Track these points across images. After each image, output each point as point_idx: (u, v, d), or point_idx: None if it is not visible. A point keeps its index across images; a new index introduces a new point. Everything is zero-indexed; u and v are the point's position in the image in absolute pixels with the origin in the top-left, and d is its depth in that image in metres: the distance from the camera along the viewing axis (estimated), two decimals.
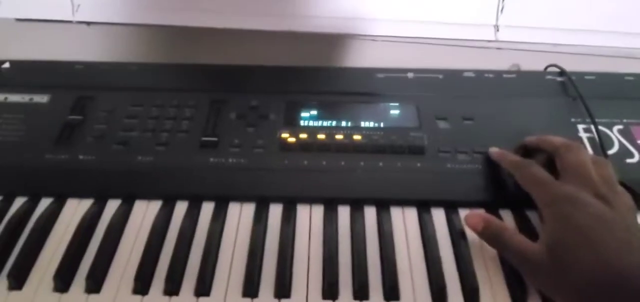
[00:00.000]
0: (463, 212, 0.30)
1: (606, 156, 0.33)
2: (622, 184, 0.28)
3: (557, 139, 0.29)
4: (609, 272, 0.22)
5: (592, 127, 0.35)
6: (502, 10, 0.44)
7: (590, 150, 0.34)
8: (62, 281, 0.26)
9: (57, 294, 0.26)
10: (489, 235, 0.27)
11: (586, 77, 0.39)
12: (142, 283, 0.26)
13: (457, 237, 0.29)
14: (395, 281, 0.26)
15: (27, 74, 0.38)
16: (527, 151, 0.32)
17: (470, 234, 0.29)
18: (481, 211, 0.29)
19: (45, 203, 0.30)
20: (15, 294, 0.26)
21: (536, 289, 0.25)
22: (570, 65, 0.39)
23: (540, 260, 0.24)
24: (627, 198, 0.26)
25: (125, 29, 0.45)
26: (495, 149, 0.32)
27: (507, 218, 0.30)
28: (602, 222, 0.23)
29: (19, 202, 0.31)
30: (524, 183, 0.28)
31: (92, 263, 0.27)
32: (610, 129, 0.35)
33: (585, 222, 0.23)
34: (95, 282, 0.26)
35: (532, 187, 0.27)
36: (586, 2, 0.44)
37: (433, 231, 0.29)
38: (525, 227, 0.29)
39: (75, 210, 0.30)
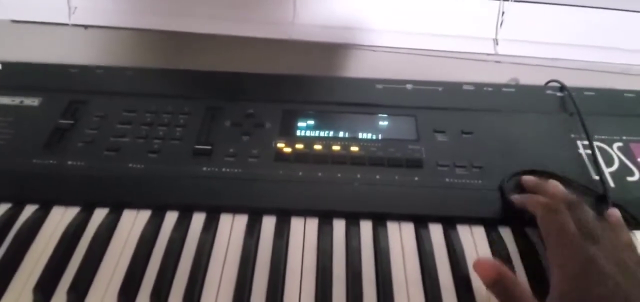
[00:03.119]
0: (461, 228, 0.30)
1: (602, 176, 0.32)
2: (617, 206, 0.28)
3: (561, 193, 0.28)
4: None
5: (594, 144, 0.34)
6: (501, 24, 0.44)
7: (589, 167, 0.33)
8: (43, 294, 0.25)
9: None
10: (500, 289, 0.25)
11: (586, 93, 0.39)
12: (127, 297, 0.25)
13: (455, 254, 0.28)
14: (391, 298, 0.25)
15: (18, 76, 0.38)
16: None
17: (469, 252, 0.28)
18: (492, 260, 0.26)
19: (29, 210, 0.29)
20: None
21: None
22: (569, 81, 0.39)
23: None
24: (637, 252, 0.25)
25: (122, 33, 0.44)
26: (517, 196, 0.30)
27: (507, 236, 0.29)
28: (615, 279, 0.22)
29: (2, 208, 0.29)
30: (548, 229, 0.26)
31: (75, 275, 0.26)
32: (610, 146, 0.35)
33: (601, 290, 0.22)
34: (77, 296, 0.25)
35: (555, 236, 0.25)
36: (586, 17, 0.44)
37: (430, 247, 0.28)
38: (525, 245, 0.29)
39: (60, 218, 0.29)
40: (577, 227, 0.25)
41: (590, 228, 0.25)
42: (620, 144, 0.35)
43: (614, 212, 0.28)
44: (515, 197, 0.30)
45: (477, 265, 0.26)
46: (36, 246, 0.27)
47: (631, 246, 0.26)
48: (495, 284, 0.25)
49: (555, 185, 0.30)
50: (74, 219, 0.29)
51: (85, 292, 0.25)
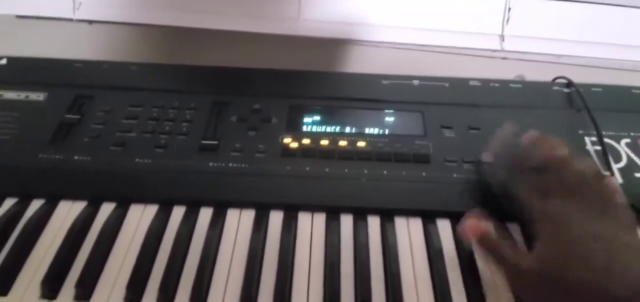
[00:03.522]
0: None
1: (611, 170, 0.32)
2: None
3: (559, 151, 0.28)
4: (599, 291, 0.21)
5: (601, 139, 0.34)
6: (507, 20, 0.44)
7: (597, 163, 0.33)
8: (50, 288, 0.25)
9: (44, 301, 0.24)
10: (484, 248, 0.26)
11: (593, 89, 0.38)
12: (134, 292, 0.25)
13: (464, 249, 0.28)
14: (399, 294, 0.25)
15: (24, 71, 0.37)
16: (519, 157, 0.30)
17: (477, 249, 0.28)
18: (477, 221, 0.27)
19: (36, 205, 0.29)
20: (0, 300, 0.24)
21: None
22: (574, 77, 0.39)
23: (531, 273, 0.23)
24: (628, 213, 0.25)
25: (127, 29, 0.44)
26: (486, 156, 0.30)
27: (515, 231, 0.29)
28: (598, 240, 0.23)
29: (9, 203, 0.29)
30: (508, 200, 0.27)
31: (83, 269, 0.26)
32: (618, 142, 0.35)
33: (578, 239, 0.23)
34: (84, 290, 0.25)
35: (518, 203, 0.26)
36: (592, 13, 0.44)
37: (439, 243, 0.28)
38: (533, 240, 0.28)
39: (67, 213, 0.29)
40: (561, 187, 0.25)
41: (574, 185, 0.25)
42: (628, 140, 0.35)
43: (611, 180, 0.28)
44: (483, 158, 0.29)
45: (461, 229, 0.27)
46: (43, 240, 0.27)
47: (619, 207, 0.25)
48: (479, 244, 0.26)
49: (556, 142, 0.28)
50: (81, 214, 0.29)
51: (93, 286, 0.25)
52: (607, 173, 0.29)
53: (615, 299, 0.21)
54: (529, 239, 0.27)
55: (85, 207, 0.29)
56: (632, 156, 0.34)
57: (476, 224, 0.26)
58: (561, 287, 0.22)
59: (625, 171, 0.33)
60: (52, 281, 0.25)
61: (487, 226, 0.26)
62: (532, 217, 0.26)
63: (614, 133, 0.35)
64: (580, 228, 0.23)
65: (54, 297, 0.25)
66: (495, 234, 0.26)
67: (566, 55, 0.44)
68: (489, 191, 0.29)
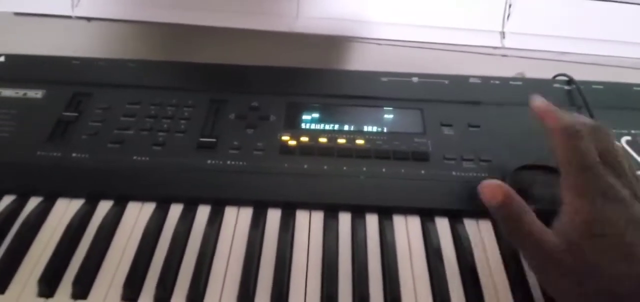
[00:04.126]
0: (468, 222, 0.29)
1: None
2: None
3: (588, 121, 0.24)
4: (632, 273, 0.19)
5: None
6: (508, 17, 0.44)
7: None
8: (48, 286, 0.25)
9: (41, 300, 0.24)
10: (507, 213, 0.22)
11: (594, 86, 0.38)
12: (131, 289, 0.25)
13: (462, 248, 0.27)
14: (397, 293, 0.25)
15: (22, 68, 0.37)
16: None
17: (476, 246, 0.28)
18: (500, 182, 0.23)
19: (34, 202, 0.29)
20: None
21: (544, 287, 0.23)
22: (576, 74, 0.38)
23: (561, 256, 0.21)
24: None
25: (126, 26, 0.44)
26: (540, 100, 0.26)
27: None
28: (630, 221, 0.20)
29: (7, 200, 0.29)
30: (565, 158, 0.22)
31: (80, 267, 0.26)
32: (619, 140, 0.35)
33: (623, 225, 0.20)
34: (82, 288, 0.25)
35: (574, 167, 0.22)
36: (594, 10, 0.44)
37: (437, 241, 0.28)
38: None
39: (65, 210, 0.29)
40: (600, 156, 0.22)
41: (614, 159, 0.22)
42: (628, 137, 0.35)
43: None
44: (536, 101, 0.25)
45: (484, 186, 0.23)
46: (41, 238, 0.27)
47: None
48: (502, 207, 0.22)
49: (573, 114, 0.25)
50: (79, 211, 0.29)
51: (90, 284, 0.25)
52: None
53: None
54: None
55: (83, 205, 0.29)
56: (633, 153, 0.34)
57: (500, 185, 0.23)
58: (592, 275, 0.20)
59: None
60: (50, 279, 0.25)
61: (513, 192, 0.22)
62: (576, 188, 0.22)
63: (615, 131, 0.35)
64: (628, 213, 0.20)
65: (51, 295, 0.25)
66: (522, 201, 0.22)
67: (567, 53, 0.44)
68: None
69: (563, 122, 0.24)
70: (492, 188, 0.23)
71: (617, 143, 0.24)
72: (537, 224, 0.22)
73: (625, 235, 0.20)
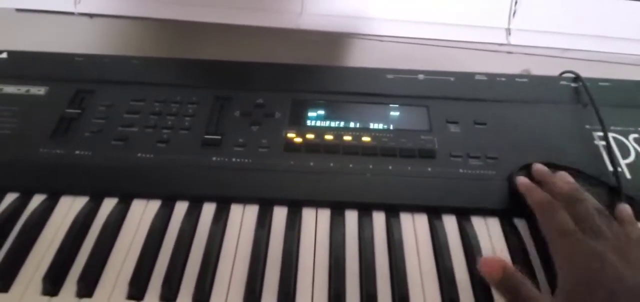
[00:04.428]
0: (476, 220, 0.29)
1: (616, 167, 0.31)
2: (631, 198, 0.27)
3: (565, 187, 0.27)
4: None
5: (609, 135, 0.34)
6: (514, 13, 0.43)
7: (606, 160, 0.33)
8: (52, 284, 0.24)
9: (46, 298, 0.24)
10: (507, 286, 0.24)
11: (600, 83, 0.38)
12: (137, 288, 0.25)
13: (470, 246, 0.27)
14: (405, 291, 0.25)
15: (24, 65, 0.37)
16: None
17: (484, 244, 0.28)
18: (498, 257, 0.25)
19: (37, 200, 0.29)
20: (1, 296, 0.24)
21: None
22: (583, 72, 0.38)
23: None
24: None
25: (128, 22, 0.44)
26: (523, 178, 0.29)
27: (522, 227, 0.29)
28: (628, 290, 0.22)
29: (10, 197, 0.29)
30: (546, 228, 0.26)
31: (85, 265, 0.25)
32: (626, 137, 0.34)
33: (611, 286, 0.22)
34: (87, 286, 0.24)
35: (555, 235, 0.25)
36: (600, 7, 0.43)
37: (445, 239, 0.28)
38: (540, 237, 0.28)
39: (69, 208, 0.29)
40: (577, 224, 0.25)
41: (591, 223, 0.25)
42: (636, 135, 0.34)
43: (625, 208, 0.28)
44: (519, 180, 0.29)
45: (483, 264, 0.25)
46: (45, 235, 0.27)
47: None
48: (502, 282, 0.24)
49: (562, 177, 0.29)
50: (83, 209, 0.28)
51: (95, 282, 0.25)
52: (622, 204, 0.28)
53: None
54: (552, 285, 0.26)
55: (87, 203, 0.29)
56: None
57: (499, 260, 0.25)
58: None
59: (633, 166, 0.32)
60: (54, 277, 0.25)
61: (511, 266, 0.25)
62: (567, 250, 0.24)
63: (622, 128, 0.35)
64: (615, 275, 0.22)
65: (56, 294, 0.24)
66: (520, 274, 0.24)
67: (574, 50, 0.44)
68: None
69: (539, 197, 0.28)
70: (490, 264, 0.25)
71: (591, 203, 0.26)
72: (535, 293, 0.24)
73: (616, 297, 0.22)
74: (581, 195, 0.27)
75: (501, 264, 0.24)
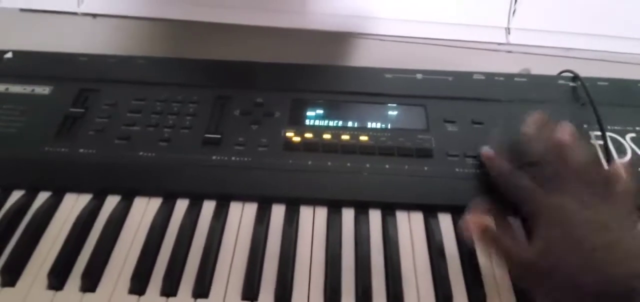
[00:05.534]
0: None
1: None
2: None
3: (558, 136, 0.28)
4: (599, 279, 0.22)
5: (606, 134, 0.34)
6: (513, 13, 0.44)
7: (602, 158, 0.33)
8: (57, 278, 0.25)
9: (51, 292, 0.25)
10: (487, 240, 0.26)
11: (599, 83, 0.38)
12: (139, 282, 0.25)
13: (465, 244, 0.28)
14: (399, 288, 0.26)
15: (29, 64, 0.38)
16: (518, 151, 0.31)
17: (478, 243, 0.28)
18: (475, 216, 0.27)
19: (43, 197, 0.30)
20: (7, 290, 0.25)
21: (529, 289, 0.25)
22: (582, 71, 0.38)
23: (532, 263, 0.24)
24: (630, 200, 0.25)
25: (132, 22, 0.44)
26: (487, 149, 0.31)
27: (517, 226, 0.29)
28: (596, 228, 0.23)
29: (16, 195, 0.30)
30: (509, 193, 0.28)
31: (88, 261, 0.26)
32: (623, 136, 0.34)
33: (577, 228, 0.23)
34: (90, 281, 0.25)
35: (518, 197, 0.27)
36: (599, 6, 0.43)
37: (440, 237, 0.28)
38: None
39: (73, 205, 0.29)
40: (547, 183, 0.26)
41: (561, 182, 0.26)
42: (633, 134, 0.35)
43: (616, 164, 0.29)
44: (483, 151, 0.31)
45: (462, 225, 0.27)
46: (50, 232, 0.28)
47: (627, 195, 0.25)
48: (482, 238, 0.26)
49: (563, 128, 0.29)
50: (87, 206, 0.29)
51: (98, 277, 0.26)
52: (616, 161, 0.29)
53: (615, 286, 0.21)
54: (530, 232, 0.27)
55: (91, 200, 0.30)
56: (638, 150, 0.34)
57: (477, 219, 0.27)
58: (561, 276, 0.22)
59: (630, 166, 0.32)
60: (59, 273, 0.25)
61: (488, 221, 0.27)
62: (532, 210, 0.26)
63: (620, 127, 0.35)
64: (579, 217, 0.24)
65: (61, 288, 0.25)
66: (495, 227, 0.26)
67: (573, 49, 0.44)
68: (491, 184, 0.29)
69: (498, 168, 0.29)
70: (468, 225, 0.27)
71: (585, 149, 0.28)
72: (510, 244, 0.26)
73: (585, 234, 0.23)
74: (569, 147, 0.27)
75: (478, 223, 0.26)
